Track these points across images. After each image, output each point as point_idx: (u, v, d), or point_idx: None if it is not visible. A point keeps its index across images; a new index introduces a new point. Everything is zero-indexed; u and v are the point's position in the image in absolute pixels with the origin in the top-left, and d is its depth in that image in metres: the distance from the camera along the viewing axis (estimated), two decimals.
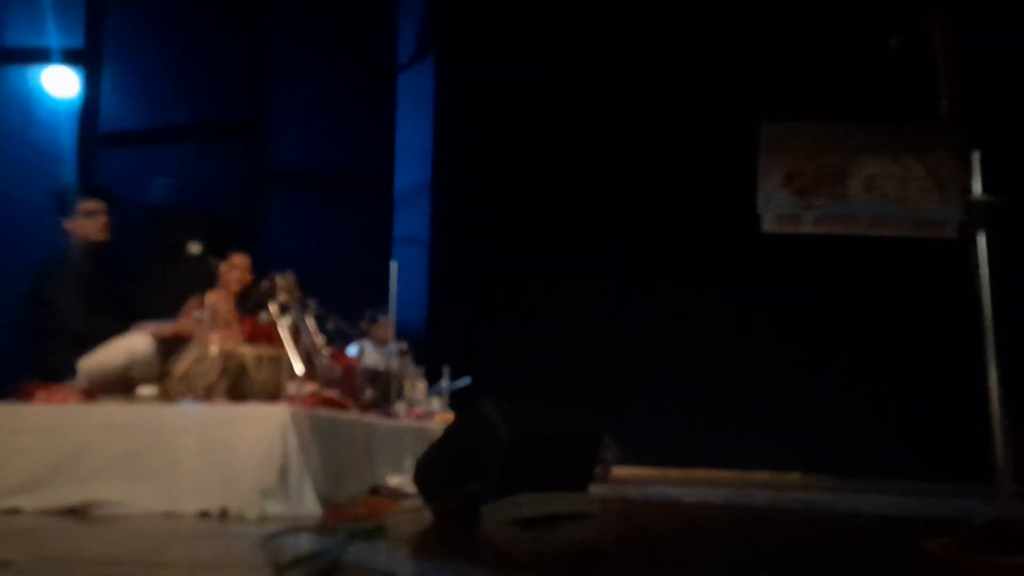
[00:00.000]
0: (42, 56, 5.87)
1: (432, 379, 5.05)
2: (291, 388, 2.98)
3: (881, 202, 6.91)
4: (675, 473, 6.39)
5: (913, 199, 6.91)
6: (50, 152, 5.74)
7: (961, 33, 2.35)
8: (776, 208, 6.98)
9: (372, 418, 3.50)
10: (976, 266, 2.20)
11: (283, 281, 3.17)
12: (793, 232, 6.98)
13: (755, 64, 6.79)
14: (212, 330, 3.01)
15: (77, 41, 5.89)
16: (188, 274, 3.63)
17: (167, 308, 3.44)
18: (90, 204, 3.41)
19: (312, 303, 3.40)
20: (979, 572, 1.88)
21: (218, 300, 3.49)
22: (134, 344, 3.08)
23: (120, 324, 3.23)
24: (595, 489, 3.66)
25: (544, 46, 7.19)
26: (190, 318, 3.21)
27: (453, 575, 1.77)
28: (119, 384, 3.02)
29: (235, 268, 3.73)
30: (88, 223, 3.39)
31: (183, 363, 3.06)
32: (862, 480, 6.08)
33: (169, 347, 3.16)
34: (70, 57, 5.88)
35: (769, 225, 6.95)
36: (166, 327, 3.24)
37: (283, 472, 2.62)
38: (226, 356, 3.00)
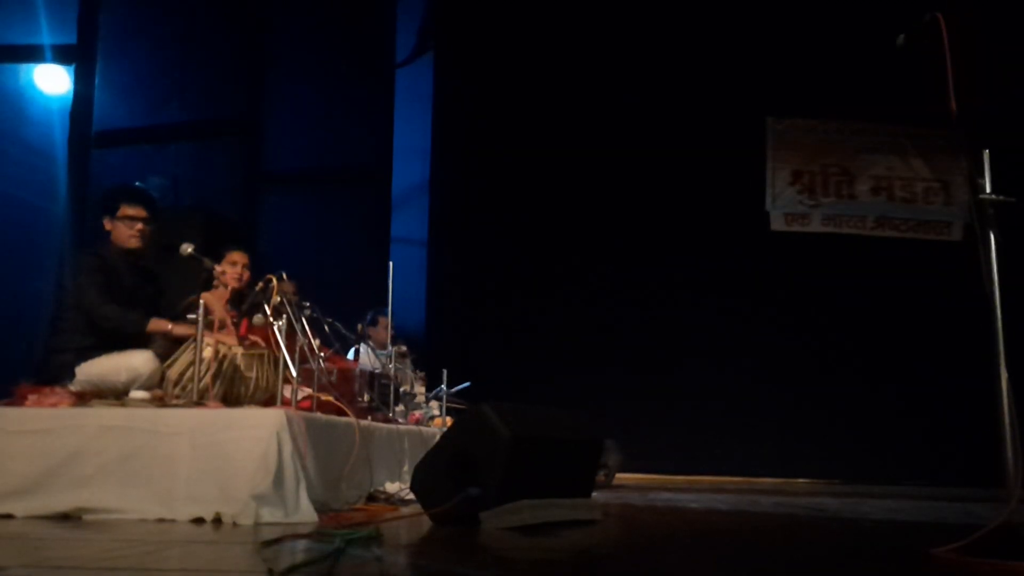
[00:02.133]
0: (34, 53, 5.80)
1: (431, 382, 5.01)
2: (287, 392, 2.93)
3: (888, 203, 6.91)
4: (680, 479, 6.35)
5: (920, 200, 6.91)
6: (43, 151, 5.69)
7: (970, 30, 2.32)
8: (784, 207, 6.98)
9: (370, 422, 3.46)
10: (986, 267, 2.17)
11: (283, 284, 3.13)
12: (801, 231, 6.97)
13: (761, 61, 6.75)
14: (207, 332, 2.95)
15: (70, 38, 5.82)
16: (183, 275, 3.58)
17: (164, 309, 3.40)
18: (130, 209, 3.34)
19: (309, 305, 3.35)
20: None
21: (213, 301, 3.43)
22: (136, 362, 3.02)
23: (138, 317, 3.18)
24: (598, 495, 3.63)
25: (546, 42, 7.13)
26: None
27: None
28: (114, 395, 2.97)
29: (233, 265, 3.68)
30: (125, 228, 3.32)
31: (177, 366, 3.01)
32: (869, 485, 6.05)
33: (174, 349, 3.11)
34: (62, 54, 5.81)
35: (777, 224, 6.94)
36: (181, 326, 3.16)
37: (278, 477, 2.59)
38: (220, 359, 2.96)
